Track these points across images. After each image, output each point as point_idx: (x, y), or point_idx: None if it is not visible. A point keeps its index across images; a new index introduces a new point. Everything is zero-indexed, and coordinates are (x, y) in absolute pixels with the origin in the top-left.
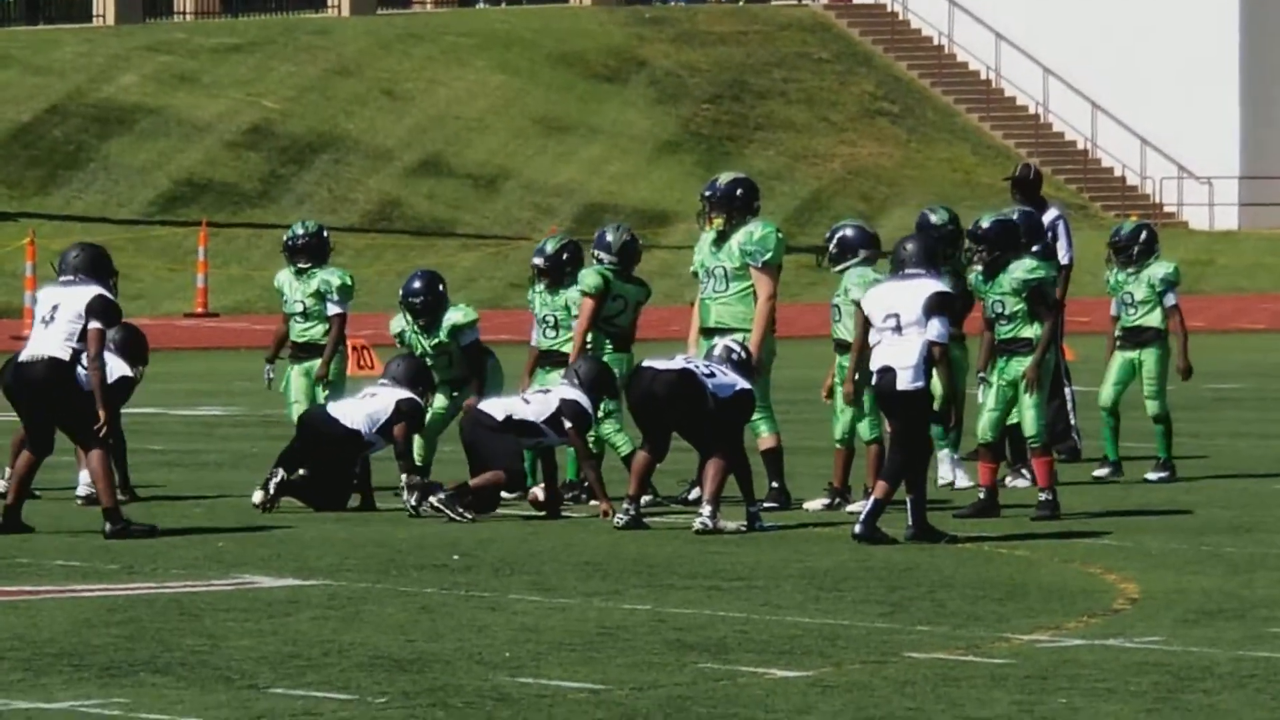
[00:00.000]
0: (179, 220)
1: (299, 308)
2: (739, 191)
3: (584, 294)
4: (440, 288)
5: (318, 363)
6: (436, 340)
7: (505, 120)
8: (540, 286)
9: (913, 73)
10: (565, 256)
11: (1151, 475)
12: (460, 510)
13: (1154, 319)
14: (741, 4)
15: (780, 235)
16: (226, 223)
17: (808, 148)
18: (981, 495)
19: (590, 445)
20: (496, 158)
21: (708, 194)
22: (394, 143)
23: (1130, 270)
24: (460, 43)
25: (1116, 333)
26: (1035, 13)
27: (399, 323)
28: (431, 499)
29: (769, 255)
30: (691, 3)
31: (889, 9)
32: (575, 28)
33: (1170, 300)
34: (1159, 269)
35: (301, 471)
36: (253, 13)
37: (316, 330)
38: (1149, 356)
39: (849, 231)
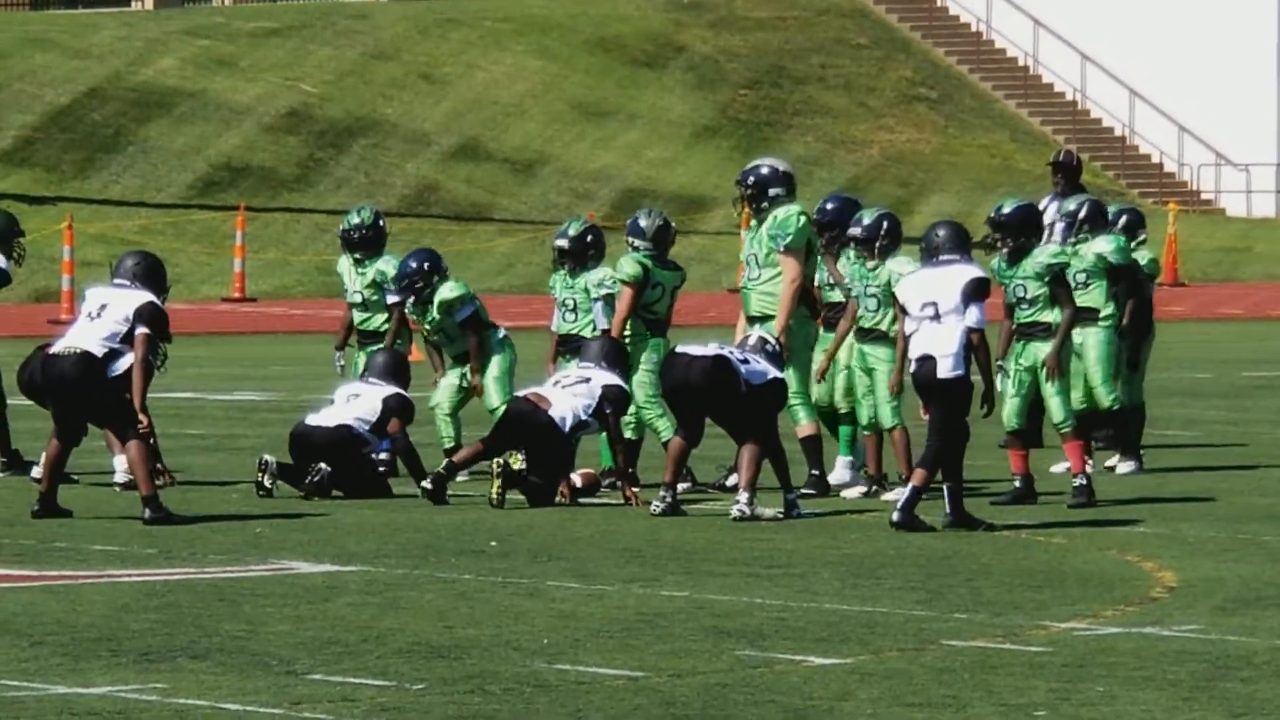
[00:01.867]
0: (217, 205)
1: (358, 299)
2: (763, 173)
3: (624, 283)
4: (425, 266)
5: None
6: (432, 316)
7: (543, 105)
8: (562, 269)
9: (951, 59)
10: (589, 239)
11: (1121, 467)
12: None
13: (1093, 299)
14: None
15: (804, 218)
16: (264, 207)
17: (846, 134)
18: (1017, 483)
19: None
20: (534, 143)
21: (739, 181)
22: (432, 127)
23: (1074, 240)
24: (498, 27)
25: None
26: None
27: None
28: (424, 482)
29: (790, 239)
30: None
31: None
32: (613, 13)
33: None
34: (1102, 244)
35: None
36: None
37: (377, 319)
38: (1089, 338)
39: (893, 220)
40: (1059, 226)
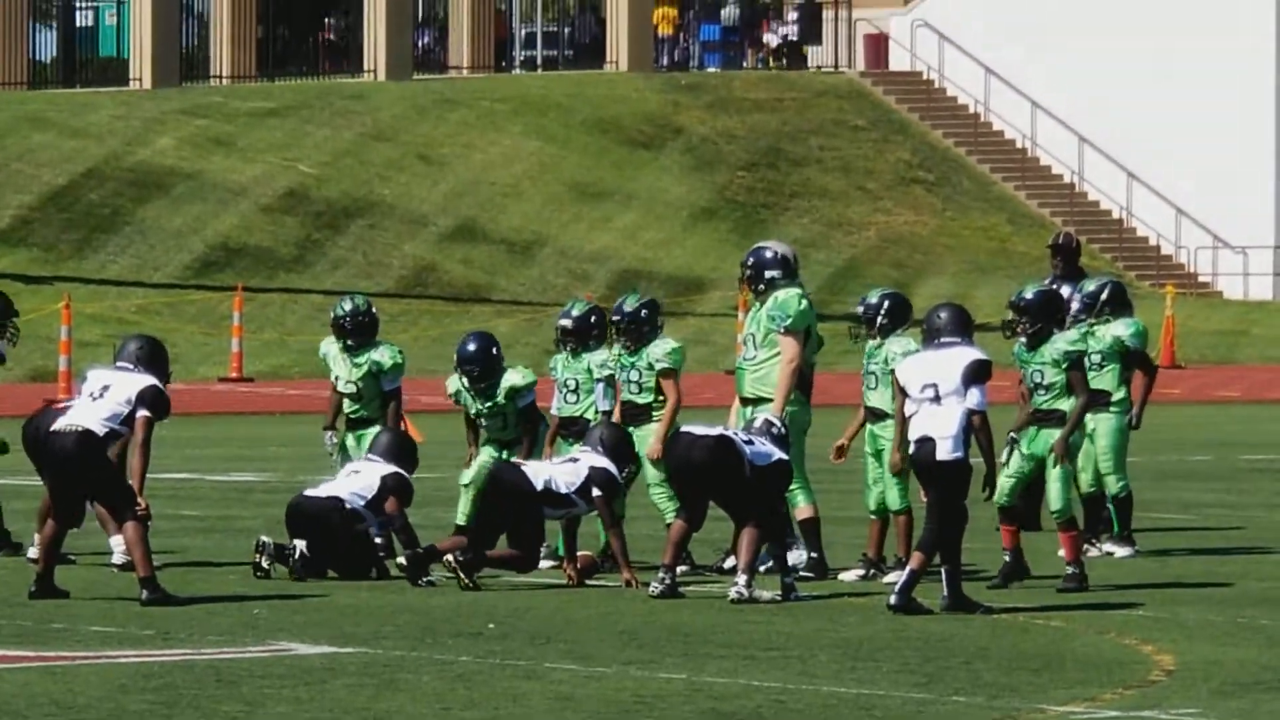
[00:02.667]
0: (214, 285)
1: (352, 389)
2: (764, 255)
3: (669, 371)
4: (494, 350)
5: (371, 432)
6: (493, 402)
7: (540, 186)
8: (565, 350)
9: (949, 141)
10: (592, 320)
11: (1118, 551)
12: (474, 581)
13: (1105, 383)
14: (777, 71)
15: (804, 301)
16: (262, 287)
17: (843, 215)
18: (1006, 559)
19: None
20: (532, 224)
21: (741, 262)
22: (429, 208)
23: (1092, 322)
24: (496, 108)
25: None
26: (1071, 82)
27: (454, 383)
28: (449, 557)
29: (790, 320)
30: (728, 70)
31: (925, 77)
32: (611, 94)
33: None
34: (1119, 328)
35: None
36: (289, 77)
37: (370, 408)
38: (1101, 425)
39: (895, 299)
40: (1072, 307)
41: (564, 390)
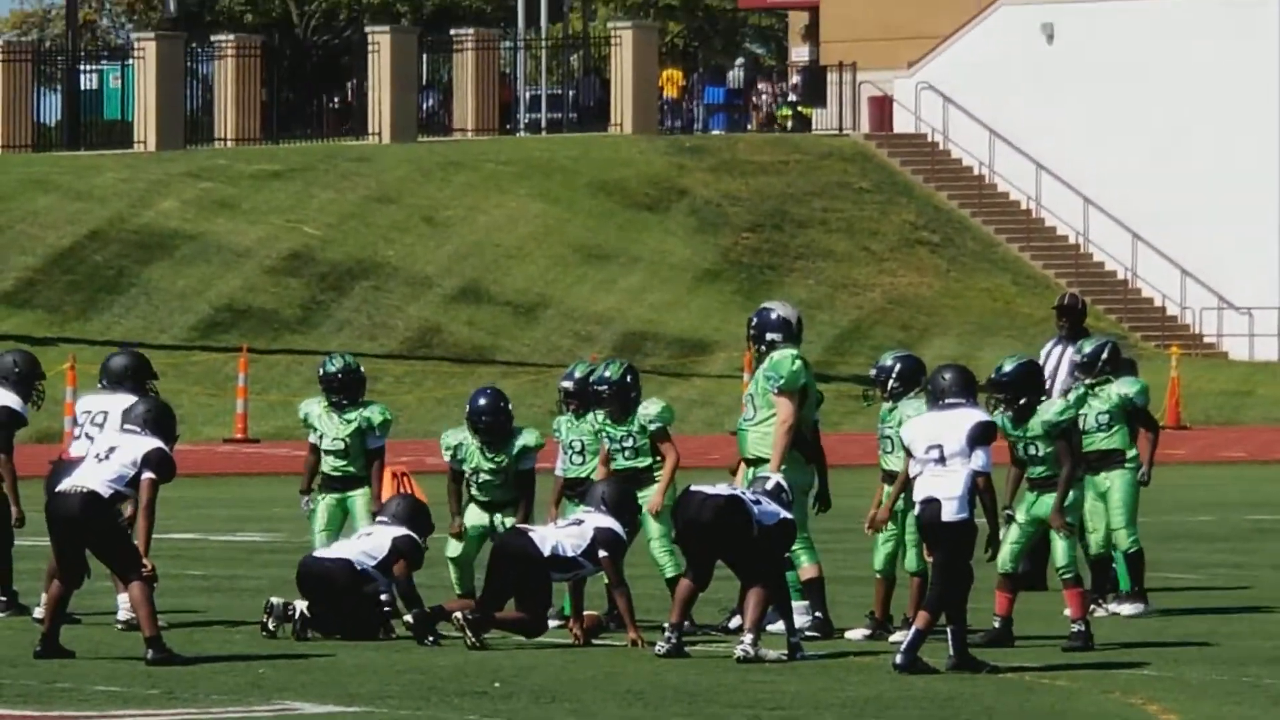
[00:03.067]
0: (219, 346)
1: (339, 445)
2: (769, 317)
3: (663, 431)
4: (505, 405)
5: (356, 494)
6: (501, 458)
7: (545, 248)
8: (569, 412)
9: (953, 202)
10: (629, 380)
11: (1124, 609)
12: (481, 640)
13: (1115, 442)
14: (782, 133)
15: (797, 361)
16: (266, 349)
17: (848, 277)
18: (996, 624)
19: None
20: (536, 285)
21: (747, 321)
22: (434, 270)
23: (1091, 382)
24: (500, 170)
25: None
26: (1076, 143)
27: (455, 436)
28: (457, 615)
29: (783, 380)
30: (732, 132)
31: (930, 139)
32: (615, 156)
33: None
34: (1124, 387)
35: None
36: (293, 139)
37: (354, 465)
38: (1115, 481)
39: (908, 363)
40: (1063, 371)
41: (569, 452)
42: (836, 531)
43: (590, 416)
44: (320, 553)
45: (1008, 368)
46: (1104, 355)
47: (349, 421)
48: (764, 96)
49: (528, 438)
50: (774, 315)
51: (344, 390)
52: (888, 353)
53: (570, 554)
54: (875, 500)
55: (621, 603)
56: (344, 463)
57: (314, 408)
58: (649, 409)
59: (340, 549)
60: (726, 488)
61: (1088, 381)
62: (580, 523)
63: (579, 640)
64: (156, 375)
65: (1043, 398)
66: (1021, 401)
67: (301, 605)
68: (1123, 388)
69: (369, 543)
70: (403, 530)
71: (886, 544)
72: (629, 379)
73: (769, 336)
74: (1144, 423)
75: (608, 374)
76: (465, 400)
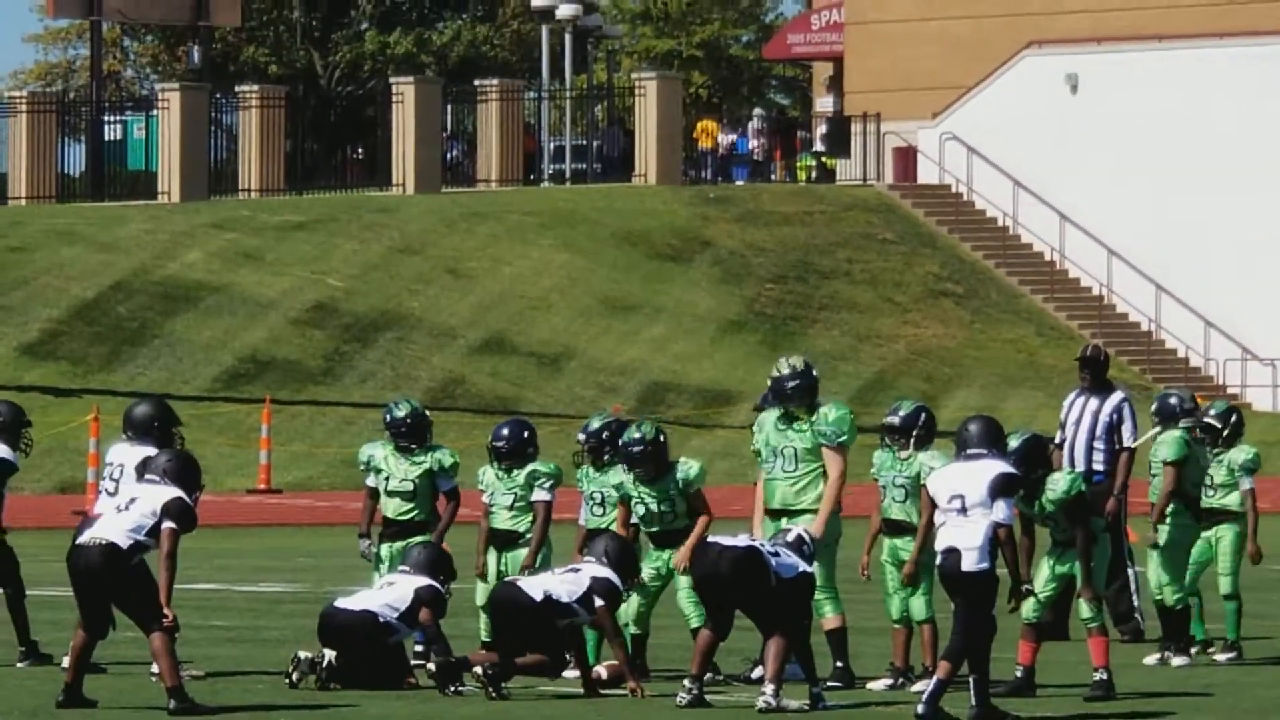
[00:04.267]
0: (243, 397)
1: (408, 487)
2: (814, 373)
3: (700, 493)
4: (526, 434)
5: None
6: (515, 484)
7: (569, 299)
8: (586, 465)
9: (977, 254)
10: (606, 435)
11: (1220, 657)
12: (502, 692)
13: (1231, 501)
14: (806, 184)
15: (853, 417)
16: (290, 400)
17: (871, 328)
18: (1019, 673)
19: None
20: (560, 336)
21: (790, 383)
22: (457, 321)
23: (1216, 451)
24: (524, 221)
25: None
26: (1100, 194)
27: (486, 469)
28: (478, 669)
29: (844, 437)
30: (756, 183)
31: (954, 190)
32: (640, 207)
33: (1246, 484)
34: (1239, 454)
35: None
36: (317, 190)
37: (421, 509)
38: (1226, 533)
39: (929, 413)
40: (1085, 422)
41: (590, 503)
42: (858, 582)
43: (614, 470)
44: (342, 603)
45: (1014, 444)
46: (1232, 421)
47: (418, 464)
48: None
49: (537, 464)
50: (809, 368)
51: (411, 435)
52: (904, 401)
53: (565, 599)
54: (865, 548)
55: (619, 654)
56: (410, 505)
57: (377, 450)
58: (689, 469)
59: (363, 600)
60: (745, 539)
61: (1216, 452)
62: (577, 571)
63: (588, 690)
64: (180, 422)
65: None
66: (1031, 477)
67: (330, 655)
68: (1237, 456)
69: (391, 593)
70: (425, 580)
71: (899, 592)
72: (662, 439)
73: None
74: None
75: (640, 434)
76: (490, 453)
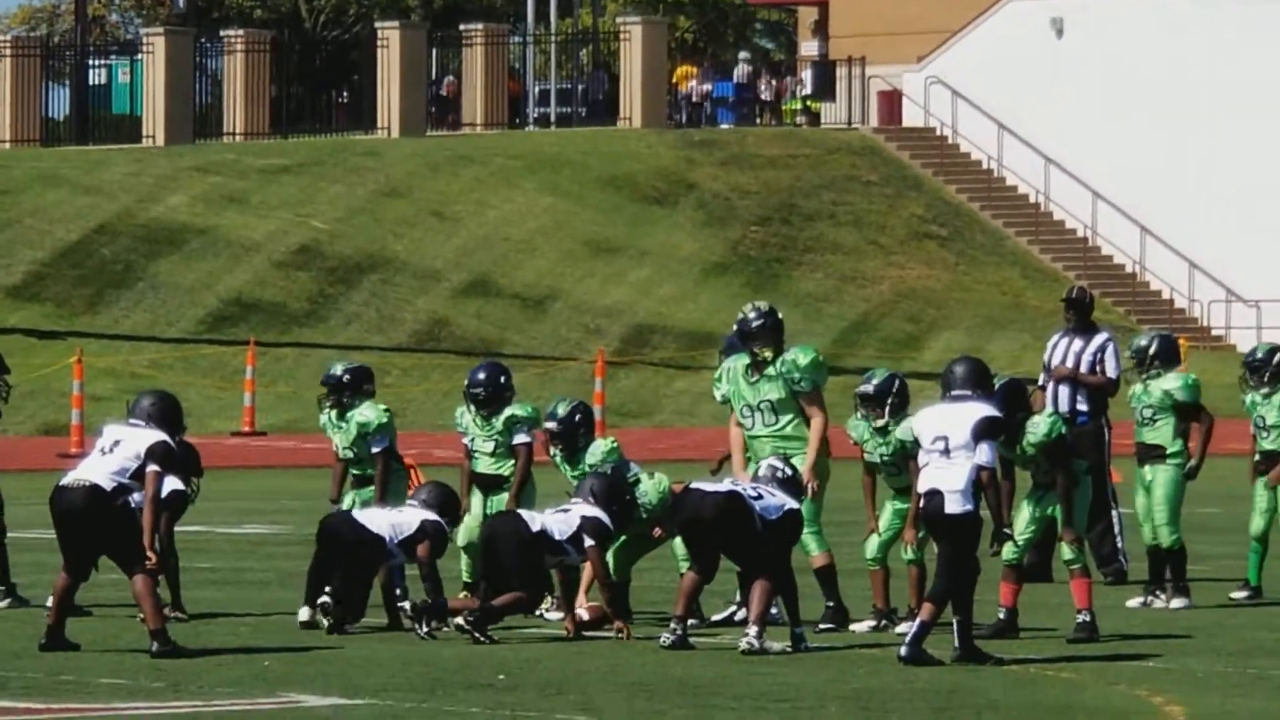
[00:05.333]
0: (227, 339)
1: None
2: (779, 317)
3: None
4: (504, 379)
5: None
6: (494, 430)
7: (554, 242)
8: (558, 451)
9: (962, 196)
10: (577, 419)
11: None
12: (488, 637)
13: None
14: (791, 127)
15: (822, 359)
16: (275, 342)
17: (856, 270)
18: (1001, 615)
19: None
20: (545, 279)
21: (754, 324)
22: (442, 263)
23: (1264, 392)
24: (509, 165)
25: (1255, 456)
26: (1084, 137)
27: (461, 411)
28: (459, 619)
29: (817, 380)
30: (741, 126)
31: (938, 133)
32: (624, 150)
33: None
34: None
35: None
36: (302, 134)
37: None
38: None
39: (901, 380)
40: (1069, 364)
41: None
42: (841, 524)
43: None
44: (358, 516)
45: (878, 379)
46: (1152, 350)
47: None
48: (764, 93)
49: (514, 408)
50: (775, 312)
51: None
52: (875, 370)
53: (558, 537)
54: (869, 512)
55: (606, 595)
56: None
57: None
58: (596, 448)
59: (374, 519)
60: (729, 483)
61: (1143, 376)
62: (568, 510)
63: (570, 633)
64: (185, 427)
65: (1026, 415)
66: (1010, 420)
67: (327, 599)
68: (1167, 382)
69: (399, 518)
70: (433, 515)
71: (886, 532)
72: (576, 418)
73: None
74: (1195, 416)
75: (558, 411)
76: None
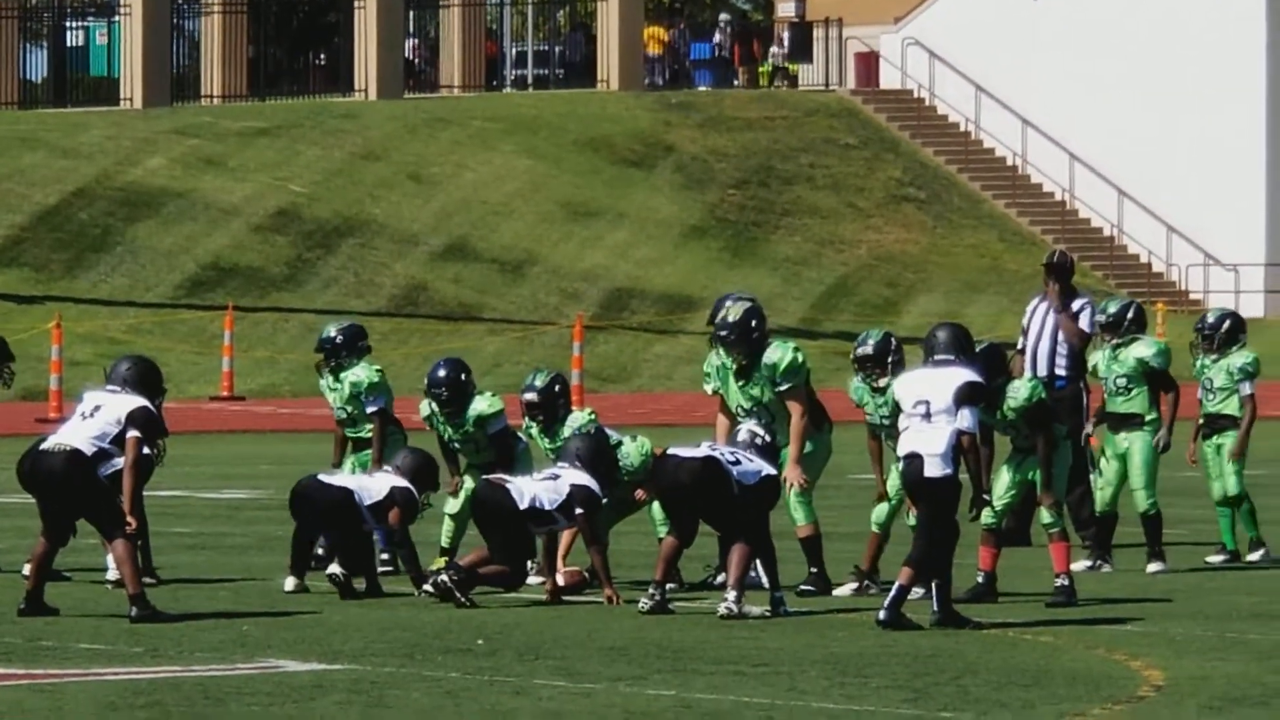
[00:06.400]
0: (205, 304)
1: (343, 415)
2: (754, 323)
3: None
4: (464, 376)
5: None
6: (464, 430)
7: (532, 205)
8: (536, 424)
9: (940, 159)
10: (557, 389)
11: (1253, 556)
12: (469, 598)
13: (1231, 406)
14: (769, 89)
15: (802, 357)
16: (253, 307)
17: (834, 233)
18: (980, 579)
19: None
20: (523, 242)
21: (724, 333)
22: (420, 227)
23: (1214, 357)
24: (487, 127)
25: (1199, 419)
26: (1062, 100)
27: (426, 407)
28: (442, 577)
29: (799, 380)
30: (719, 88)
31: (916, 95)
32: (602, 113)
33: (1246, 389)
34: (1238, 358)
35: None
36: (280, 96)
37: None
38: (1227, 441)
39: (894, 341)
40: (1048, 328)
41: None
42: (822, 488)
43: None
44: (325, 478)
45: (875, 339)
46: (1129, 316)
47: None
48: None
49: (480, 404)
50: (750, 316)
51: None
52: (869, 331)
53: (547, 507)
54: (879, 480)
55: (597, 560)
56: (357, 428)
57: (322, 381)
58: (575, 418)
59: (342, 480)
60: (706, 448)
61: (1114, 342)
62: (557, 477)
63: (551, 596)
64: (165, 389)
65: (1004, 379)
66: (991, 385)
67: (337, 570)
68: (1140, 350)
69: (370, 482)
70: (404, 482)
71: (891, 500)
72: (555, 388)
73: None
74: (1164, 385)
75: (536, 382)
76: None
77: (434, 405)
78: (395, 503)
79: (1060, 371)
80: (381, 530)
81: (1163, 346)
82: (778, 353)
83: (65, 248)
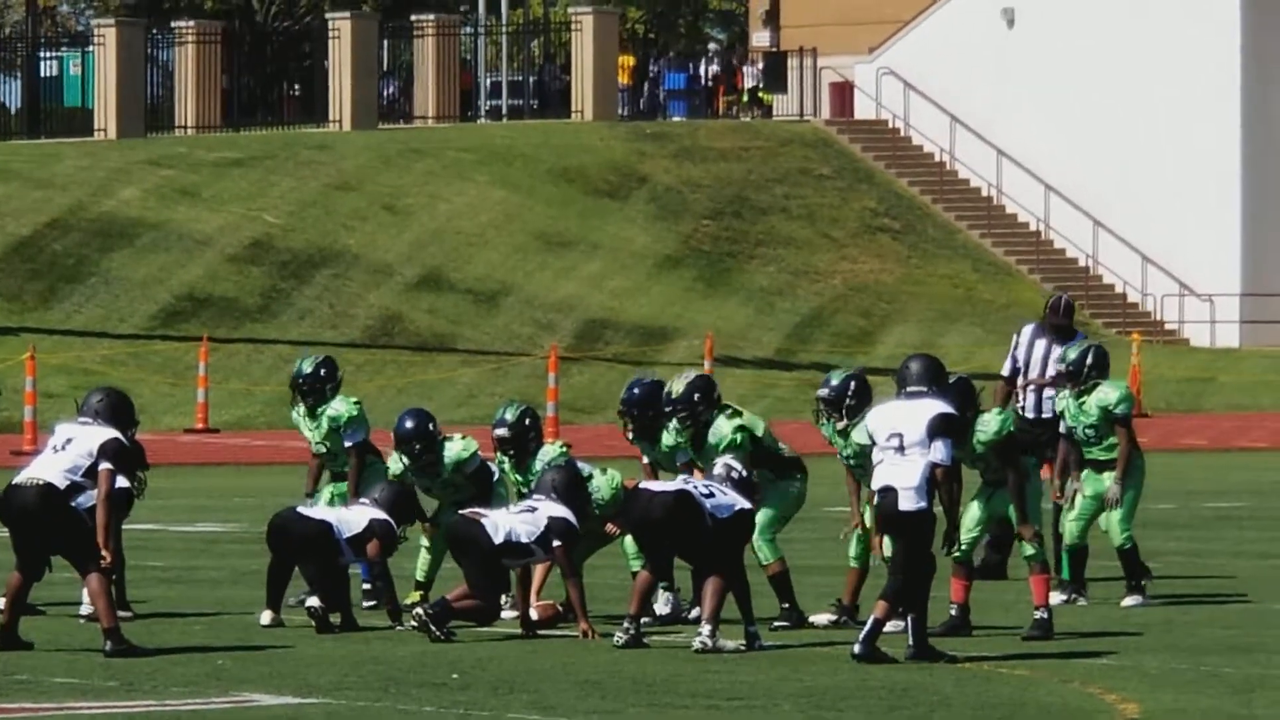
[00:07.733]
0: (180, 335)
1: (322, 450)
2: (697, 396)
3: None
4: (431, 426)
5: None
6: (441, 479)
7: (506, 235)
8: (505, 460)
9: (914, 189)
10: (527, 423)
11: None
12: (446, 632)
13: (1110, 448)
14: (743, 120)
15: (741, 434)
16: (227, 338)
17: (808, 264)
18: (953, 612)
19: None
20: (497, 273)
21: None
22: (394, 257)
23: (1077, 394)
24: (461, 158)
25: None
26: (1037, 130)
27: (396, 463)
28: (419, 609)
29: (741, 451)
30: (693, 119)
31: (891, 125)
32: (576, 143)
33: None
34: (1110, 394)
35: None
36: (254, 127)
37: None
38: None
39: (860, 379)
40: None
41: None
42: (795, 520)
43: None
44: (303, 510)
45: (835, 382)
46: (1089, 361)
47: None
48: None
49: (455, 449)
50: (694, 389)
51: (309, 395)
52: (834, 372)
53: (524, 540)
54: (854, 518)
55: (574, 594)
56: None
57: (297, 412)
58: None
59: (320, 512)
60: (679, 483)
61: (1077, 390)
62: (534, 510)
63: (525, 630)
64: (137, 421)
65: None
66: (965, 417)
67: (315, 602)
68: (1103, 396)
69: (348, 514)
70: (382, 515)
71: (864, 536)
72: (526, 422)
73: (716, 397)
74: (1127, 426)
75: (506, 416)
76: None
77: (405, 460)
78: (374, 535)
79: (1046, 415)
80: (361, 563)
81: (1125, 392)
82: (722, 429)
83: (39, 278)
